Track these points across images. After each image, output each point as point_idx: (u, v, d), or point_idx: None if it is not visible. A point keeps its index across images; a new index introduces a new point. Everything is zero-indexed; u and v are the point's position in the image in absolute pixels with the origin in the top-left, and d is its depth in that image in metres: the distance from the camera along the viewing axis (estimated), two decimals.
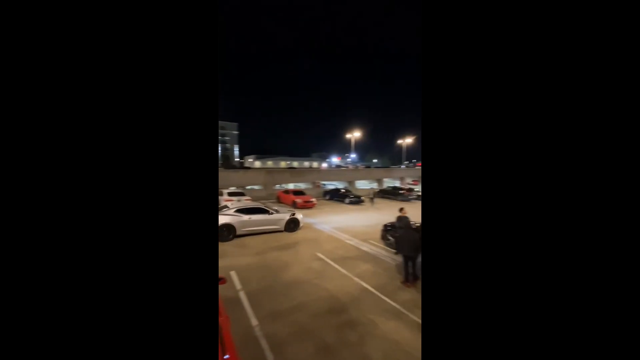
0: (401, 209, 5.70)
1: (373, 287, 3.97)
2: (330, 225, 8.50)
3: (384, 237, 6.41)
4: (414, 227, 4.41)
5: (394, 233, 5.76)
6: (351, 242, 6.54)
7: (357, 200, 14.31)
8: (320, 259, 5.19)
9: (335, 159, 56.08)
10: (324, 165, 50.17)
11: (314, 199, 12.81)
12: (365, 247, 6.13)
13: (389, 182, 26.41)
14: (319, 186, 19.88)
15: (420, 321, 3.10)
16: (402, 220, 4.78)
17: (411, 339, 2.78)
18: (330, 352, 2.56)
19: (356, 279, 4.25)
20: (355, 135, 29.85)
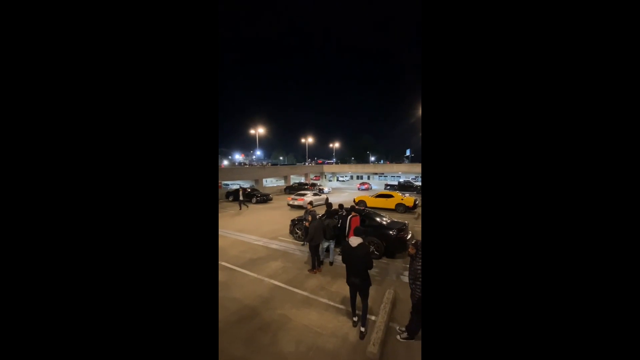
0: (309, 204, 6.16)
1: (284, 283, 4.04)
2: (235, 229, 7.83)
3: (292, 232, 6.66)
4: (318, 217, 4.90)
5: (301, 226, 6.13)
6: (259, 243, 6.33)
7: (265, 199, 14.02)
8: (226, 268, 4.68)
9: (238, 156, 52.03)
10: (225, 163, 45.39)
11: None
12: (274, 245, 6.12)
13: (295, 179, 27.72)
14: (220, 187, 17.74)
15: (324, 301, 3.49)
16: (311, 213, 5.21)
17: (318, 319, 3.07)
18: None
19: (267, 279, 4.17)
20: (260, 131, 28.88)
